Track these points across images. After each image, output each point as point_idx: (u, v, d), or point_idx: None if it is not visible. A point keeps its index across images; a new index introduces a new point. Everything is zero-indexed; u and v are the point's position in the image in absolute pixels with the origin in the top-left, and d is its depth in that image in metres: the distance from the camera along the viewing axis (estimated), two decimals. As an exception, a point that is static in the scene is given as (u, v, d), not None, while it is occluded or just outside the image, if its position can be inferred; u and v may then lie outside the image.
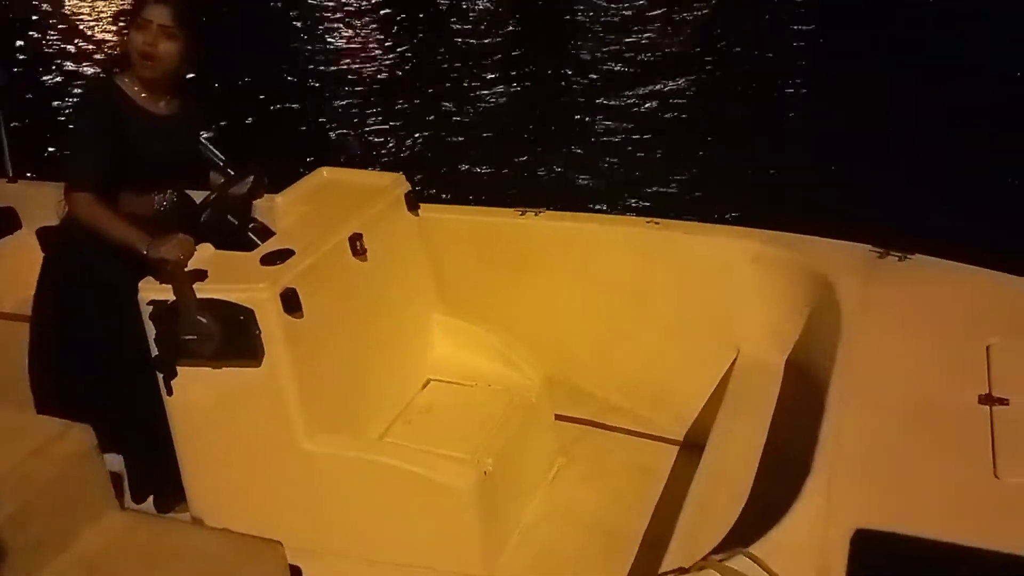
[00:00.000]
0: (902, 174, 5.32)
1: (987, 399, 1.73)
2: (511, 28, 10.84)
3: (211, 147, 2.76)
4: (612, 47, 9.46)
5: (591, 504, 2.41)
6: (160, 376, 2.13)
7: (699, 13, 10.32)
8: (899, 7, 9.04)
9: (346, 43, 10.64)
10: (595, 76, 8.63)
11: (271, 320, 2.04)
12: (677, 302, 2.57)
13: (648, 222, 2.64)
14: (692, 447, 2.49)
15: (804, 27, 9.27)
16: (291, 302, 2.05)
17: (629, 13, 10.47)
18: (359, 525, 2.16)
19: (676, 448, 2.60)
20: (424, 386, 2.56)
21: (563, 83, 8.67)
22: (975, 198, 4.87)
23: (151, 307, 2.07)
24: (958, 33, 8.00)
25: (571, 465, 2.56)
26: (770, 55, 8.58)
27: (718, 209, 4.93)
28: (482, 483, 2.13)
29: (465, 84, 8.76)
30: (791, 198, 5.07)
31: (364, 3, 12.36)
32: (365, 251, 2.33)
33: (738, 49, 8.90)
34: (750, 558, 1.45)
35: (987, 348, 1.87)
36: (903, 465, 1.65)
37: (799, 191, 5.27)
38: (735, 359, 2.48)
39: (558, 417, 2.63)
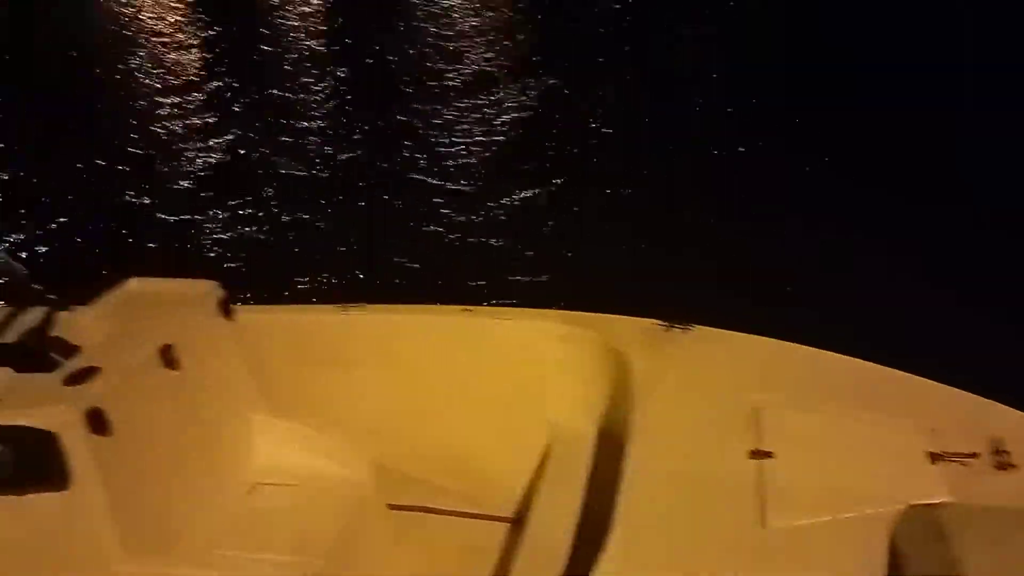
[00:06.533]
0: (684, 249, 5.79)
1: (756, 453, 1.96)
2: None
3: (11, 260, 2.67)
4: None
5: None
6: None
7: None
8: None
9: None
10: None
11: (76, 442, 1.98)
12: (492, 383, 2.71)
13: (461, 310, 2.78)
14: (520, 522, 2.60)
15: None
16: (98, 422, 2.01)
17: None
18: None
19: (506, 525, 2.70)
20: (251, 491, 2.54)
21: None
22: (744, 269, 5.33)
23: None
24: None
25: (406, 553, 2.60)
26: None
27: (522, 290, 5.19)
28: None
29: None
30: (586, 275, 5.39)
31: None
32: (178, 362, 2.31)
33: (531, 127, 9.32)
34: None
35: (756, 407, 2.11)
36: (685, 519, 1.84)
37: (593, 268, 5.60)
38: (551, 433, 2.64)
39: (391, 506, 2.67)
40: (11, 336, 2.62)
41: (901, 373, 2.23)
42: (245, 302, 2.80)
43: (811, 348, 2.37)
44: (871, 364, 2.27)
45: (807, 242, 5.56)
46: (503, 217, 7.12)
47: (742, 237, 5.83)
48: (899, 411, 2.08)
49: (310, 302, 3.04)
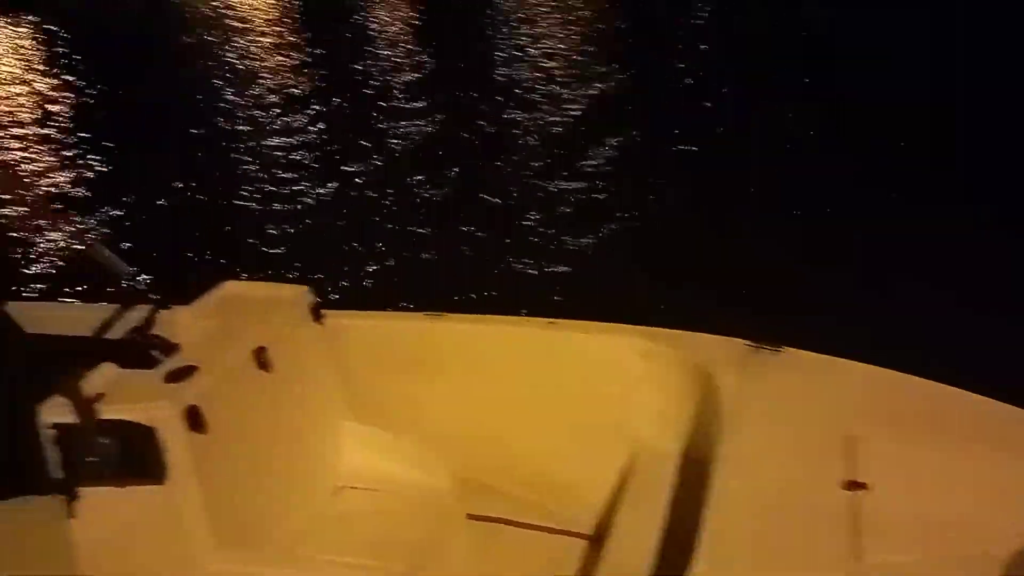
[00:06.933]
0: (779, 267, 5.67)
1: (851, 484, 1.89)
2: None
3: (117, 259, 2.79)
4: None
5: None
6: (64, 500, 2.12)
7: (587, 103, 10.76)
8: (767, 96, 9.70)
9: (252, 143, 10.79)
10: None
11: (175, 438, 2.07)
12: (574, 397, 2.70)
13: (545, 322, 2.78)
14: (599, 539, 2.58)
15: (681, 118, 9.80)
16: (195, 419, 2.09)
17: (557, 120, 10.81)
18: None
19: (584, 541, 2.68)
20: (335, 494, 2.59)
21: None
22: (844, 290, 5.20)
23: (53, 431, 2.07)
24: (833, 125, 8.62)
25: (483, 564, 2.61)
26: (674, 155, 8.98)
27: (606, 305, 5.14)
28: None
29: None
30: (673, 293, 5.33)
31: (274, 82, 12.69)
32: (270, 364, 2.38)
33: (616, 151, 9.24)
34: None
35: (851, 436, 2.04)
36: (773, 548, 1.79)
37: (680, 286, 5.53)
38: (633, 451, 2.61)
39: (470, 516, 2.69)
40: (117, 333, 2.76)
41: (1009, 406, 2.12)
42: (334, 306, 2.86)
43: (910, 375, 2.27)
44: (977, 396, 2.16)
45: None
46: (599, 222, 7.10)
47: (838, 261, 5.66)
48: (1009, 444, 1.98)
49: (396, 308, 3.05)
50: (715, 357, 2.43)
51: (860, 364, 2.33)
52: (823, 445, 2.02)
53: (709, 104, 9.88)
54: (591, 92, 11.02)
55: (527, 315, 2.94)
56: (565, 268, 6.44)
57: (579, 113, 10.30)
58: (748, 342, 2.47)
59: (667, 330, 2.62)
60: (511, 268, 6.52)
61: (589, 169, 8.44)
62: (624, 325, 2.70)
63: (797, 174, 7.45)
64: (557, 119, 10.14)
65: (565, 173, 8.37)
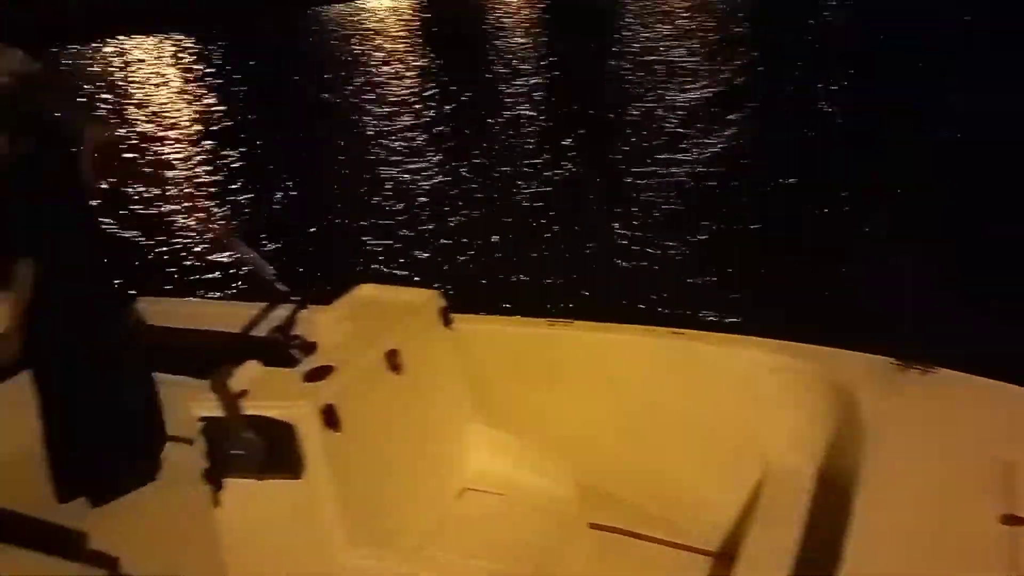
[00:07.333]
0: (927, 283, 5.35)
1: (1009, 519, 1.75)
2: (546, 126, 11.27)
3: (263, 262, 2.94)
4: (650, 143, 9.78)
5: None
6: (210, 489, 2.24)
7: (738, 116, 10.57)
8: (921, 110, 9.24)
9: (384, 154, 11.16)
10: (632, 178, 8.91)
11: (311, 435, 2.15)
12: (705, 412, 2.63)
13: (671, 332, 2.72)
14: (725, 557, 2.50)
15: (819, 132, 9.46)
16: (331, 418, 2.17)
17: (676, 119, 10.74)
18: None
19: (710, 559, 2.61)
20: (460, 496, 2.63)
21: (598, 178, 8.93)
22: (1005, 310, 4.85)
23: (202, 423, 2.20)
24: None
25: (605, 574, 2.58)
26: (791, 158, 8.73)
27: (739, 316, 4.98)
28: None
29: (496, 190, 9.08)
30: (808, 306, 5.11)
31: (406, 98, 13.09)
32: (402, 366, 2.44)
33: (760, 154, 9.08)
34: None
35: (1009, 466, 1.89)
36: None
37: (817, 299, 5.30)
38: (764, 469, 2.51)
39: (592, 526, 2.67)
40: (260, 332, 2.91)
41: None
42: (462, 311, 2.90)
43: None
44: None
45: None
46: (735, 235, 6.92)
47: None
48: None
49: (523, 314, 3.06)
50: (857, 375, 2.31)
51: (1019, 388, 2.16)
52: (977, 474, 1.88)
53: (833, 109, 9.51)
54: (712, 88, 10.86)
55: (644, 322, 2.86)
56: (684, 272, 6.32)
57: (699, 106, 10.15)
58: (895, 360, 2.33)
59: (805, 345, 2.50)
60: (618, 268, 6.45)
61: (701, 168, 8.30)
62: (758, 338, 2.60)
63: (935, 187, 7.03)
64: (674, 113, 10.02)
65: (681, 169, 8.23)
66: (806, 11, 14.45)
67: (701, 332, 2.71)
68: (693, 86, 11.32)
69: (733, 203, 7.55)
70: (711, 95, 10.93)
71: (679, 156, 8.97)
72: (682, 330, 2.72)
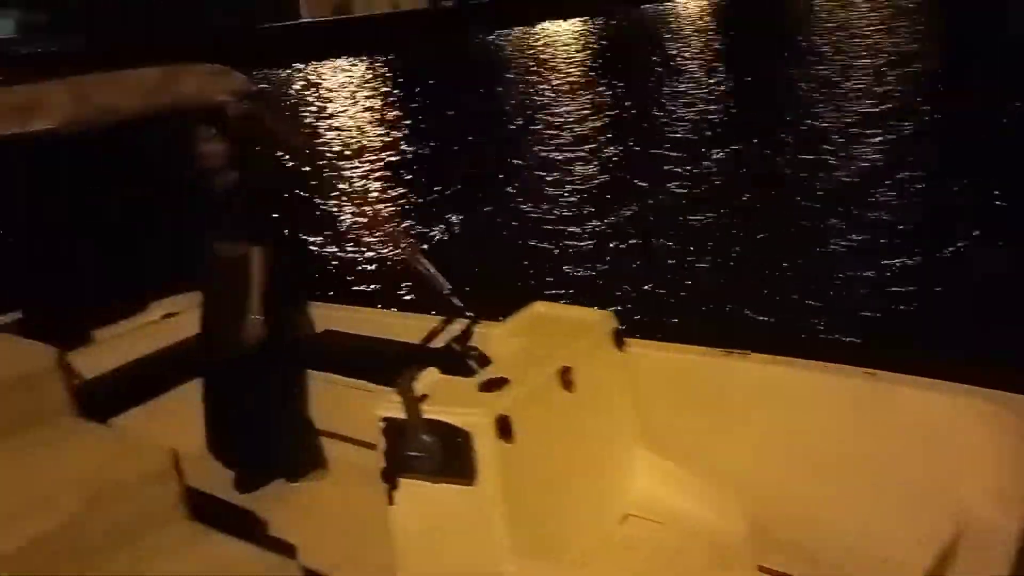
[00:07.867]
0: None
1: None
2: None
3: (440, 278, 3.06)
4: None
5: None
6: (385, 488, 2.35)
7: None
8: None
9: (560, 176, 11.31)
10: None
11: (485, 444, 2.20)
12: (893, 458, 2.46)
13: (864, 372, 2.57)
14: None
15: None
16: (505, 428, 2.21)
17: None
18: None
19: None
20: (622, 520, 2.60)
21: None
22: None
23: (384, 423, 2.30)
24: None
25: None
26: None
27: (936, 358, 4.60)
28: None
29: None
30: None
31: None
32: (574, 384, 2.46)
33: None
34: None
35: None
36: None
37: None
38: (960, 525, 2.31)
39: (762, 569, 2.56)
40: (439, 343, 3.02)
41: None
42: (633, 334, 2.88)
43: None
44: None
45: None
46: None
47: None
48: None
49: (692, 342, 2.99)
50: None
51: None
52: None
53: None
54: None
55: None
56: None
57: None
58: None
59: (1014, 395, 2.29)
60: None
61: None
62: (962, 385, 2.40)
63: None
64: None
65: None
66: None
67: (895, 374, 2.52)
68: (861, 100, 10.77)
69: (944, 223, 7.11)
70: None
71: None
72: (876, 371, 2.55)
